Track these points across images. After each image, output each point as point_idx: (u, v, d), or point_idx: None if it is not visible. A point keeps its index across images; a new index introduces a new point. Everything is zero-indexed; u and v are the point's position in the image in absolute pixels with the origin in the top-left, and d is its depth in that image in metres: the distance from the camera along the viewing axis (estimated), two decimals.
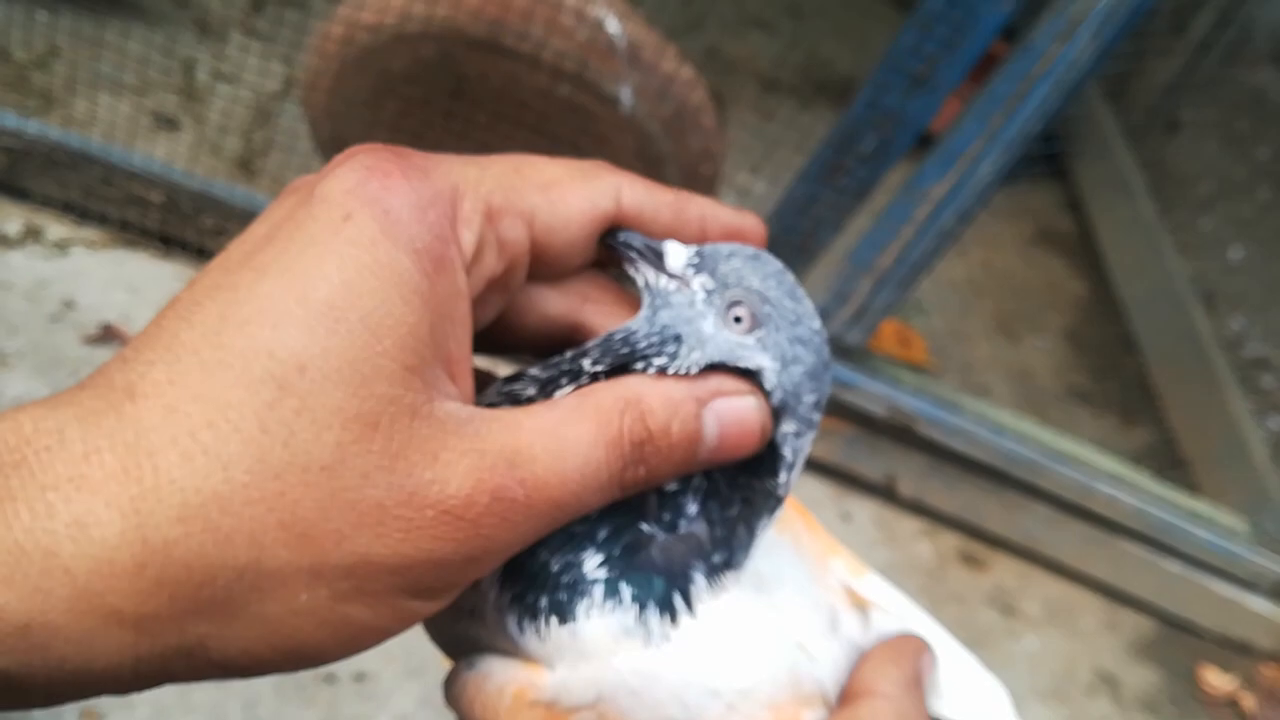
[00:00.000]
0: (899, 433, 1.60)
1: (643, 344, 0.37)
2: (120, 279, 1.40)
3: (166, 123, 1.54)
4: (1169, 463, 1.99)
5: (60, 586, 0.28)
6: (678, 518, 0.38)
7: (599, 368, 0.37)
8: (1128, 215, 2.37)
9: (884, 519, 1.69)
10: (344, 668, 1.20)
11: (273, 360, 0.30)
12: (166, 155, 1.37)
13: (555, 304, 0.40)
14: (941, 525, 1.72)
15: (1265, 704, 1.70)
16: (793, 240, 1.41)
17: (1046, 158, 1.44)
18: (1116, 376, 2.16)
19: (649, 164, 1.38)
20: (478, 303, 0.36)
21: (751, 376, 0.38)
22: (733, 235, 0.41)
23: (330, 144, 1.40)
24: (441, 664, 1.23)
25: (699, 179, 1.40)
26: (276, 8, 1.32)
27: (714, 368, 0.37)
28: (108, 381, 0.31)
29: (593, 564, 0.37)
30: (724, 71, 2.22)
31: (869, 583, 0.46)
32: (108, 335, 1.34)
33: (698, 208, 0.41)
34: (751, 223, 0.42)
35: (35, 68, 1.48)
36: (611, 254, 0.40)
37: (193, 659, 0.31)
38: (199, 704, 1.12)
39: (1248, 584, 1.72)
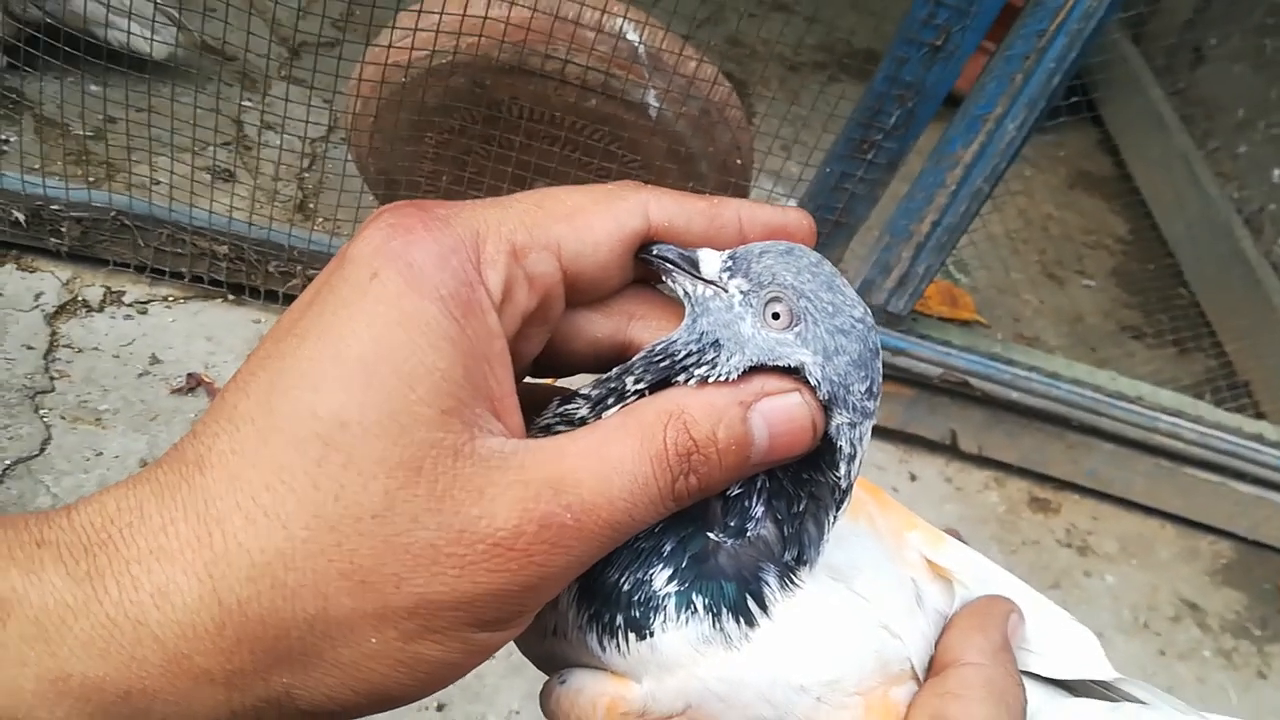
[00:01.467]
0: (955, 391, 1.63)
1: (682, 354, 0.38)
2: (199, 330, 1.48)
3: (223, 176, 1.62)
4: (1228, 388, 2.00)
5: (152, 654, 0.31)
6: (744, 521, 0.39)
7: (641, 385, 0.38)
8: (1163, 149, 2.37)
9: (951, 475, 1.72)
10: None
11: (316, 420, 0.32)
12: (227, 208, 1.45)
13: (601, 326, 0.41)
14: (1008, 474, 1.75)
15: None
16: (829, 218, 1.45)
17: (1074, 104, 1.45)
18: (1167, 309, 2.17)
19: (681, 163, 1.42)
20: (520, 338, 0.38)
21: (795, 374, 0.37)
22: (775, 233, 0.40)
23: (379, 180, 1.47)
24: None
25: (731, 171, 1.45)
26: (312, 54, 1.38)
27: (756, 370, 0.37)
28: (180, 456, 0.34)
29: (662, 579, 0.38)
30: (747, 58, 2.26)
31: (948, 551, 0.47)
32: (193, 384, 1.42)
33: (733, 210, 0.40)
34: (794, 218, 0.41)
35: (94, 139, 1.57)
36: (649, 268, 0.40)
37: (282, 708, 0.33)
38: None
39: None
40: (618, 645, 0.38)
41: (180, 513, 0.32)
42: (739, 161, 1.46)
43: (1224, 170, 2.26)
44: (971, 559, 0.47)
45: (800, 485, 0.39)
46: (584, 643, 0.39)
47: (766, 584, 0.38)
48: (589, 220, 0.38)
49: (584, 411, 0.39)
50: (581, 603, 0.39)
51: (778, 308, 0.38)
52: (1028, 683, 0.44)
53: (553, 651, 0.41)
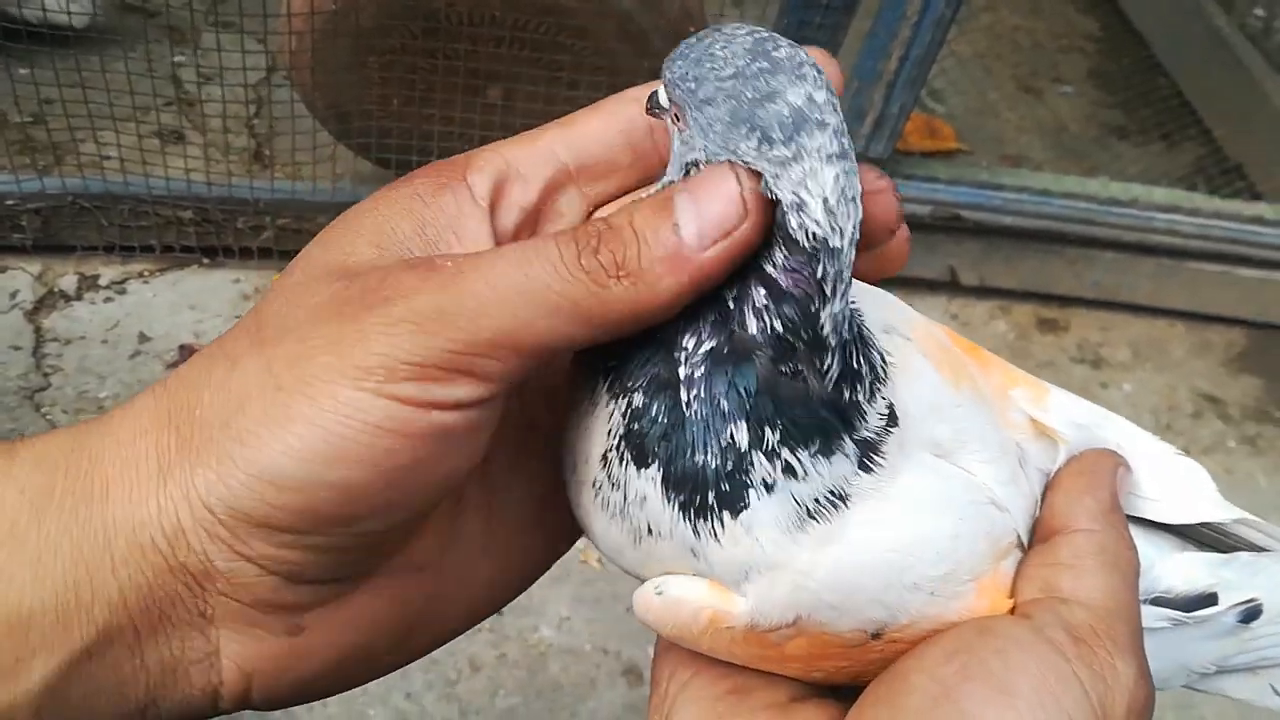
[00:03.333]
0: (948, 226, 1.61)
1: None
2: (181, 300, 1.46)
3: (172, 138, 1.57)
4: (1220, 173, 1.97)
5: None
6: (777, 349, 0.34)
7: None
8: None
9: (956, 311, 1.71)
10: None
11: (293, 274, 0.37)
12: (183, 170, 1.41)
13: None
14: (1012, 301, 1.74)
15: None
16: None
17: None
18: (1149, 103, 2.13)
19: (633, 42, 1.38)
20: (540, 231, 0.39)
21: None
22: None
23: (329, 115, 1.43)
24: (580, 562, 1.31)
25: None
26: None
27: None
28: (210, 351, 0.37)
29: (742, 433, 0.35)
30: None
31: (1051, 405, 0.44)
32: (186, 354, 1.40)
33: None
34: None
35: (34, 124, 1.52)
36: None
37: (192, 505, 0.34)
38: None
39: None
40: (713, 529, 0.35)
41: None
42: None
43: None
44: (1075, 409, 0.45)
45: (803, 283, 0.34)
46: (681, 538, 0.36)
47: (849, 440, 0.35)
48: (586, 121, 0.40)
49: None
50: (670, 493, 0.36)
51: (675, 110, 0.36)
52: (1137, 535, 0.42)
53: (650, 558, 0.38)
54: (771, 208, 0.34)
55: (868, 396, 0.36)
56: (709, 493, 0.35)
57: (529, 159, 0.39)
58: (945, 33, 1.38)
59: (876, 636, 0.37)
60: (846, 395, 0.35)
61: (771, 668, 0.38)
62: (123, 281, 1.46)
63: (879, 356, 0.38)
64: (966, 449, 0.39)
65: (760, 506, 0.35)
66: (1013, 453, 0.41)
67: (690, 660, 0.40)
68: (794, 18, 1.37)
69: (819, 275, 0.34)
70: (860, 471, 0.36)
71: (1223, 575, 0.43)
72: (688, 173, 0.36)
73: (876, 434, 0.36)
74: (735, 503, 0.35)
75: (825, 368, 0.35)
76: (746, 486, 0.35)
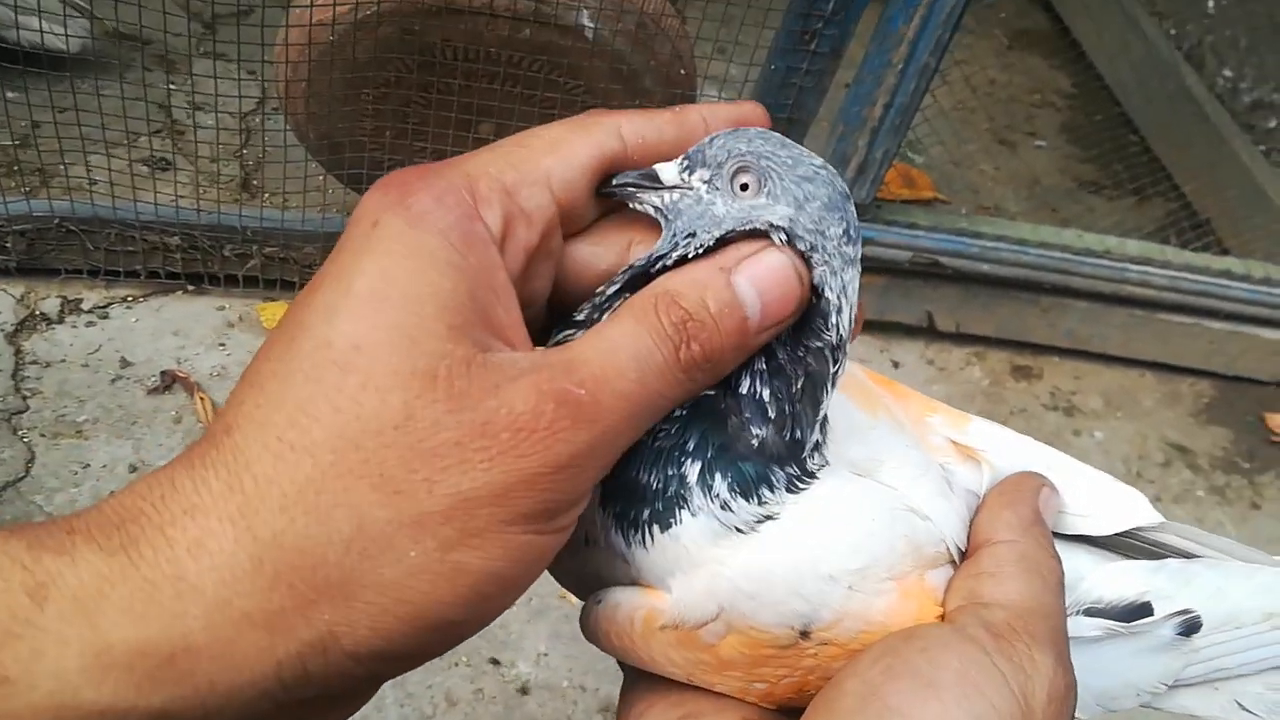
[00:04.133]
0: (926, 272, 1.64)
1: (661, 251, 0.39)
2: (164, 326, 1.46)
3: (161, 165, 1.57)
4: (1190, 228, 2.02)
5: (192, 605, 0.31)
6: (756, 414, 0.38)
7: (618, 285, 0.39)
8: None
9: (932, 356, 1.74)
10: None
11: (331, 349, 0.33)
12: (171, 197, 1.41)
13: (603, 258, 0.41)
14: (988, 347, 1.77)
15: None
16: (780, 115, 1.43)
17: None
18: (1121, 158, 2.18)
19: (624, 82, 1.40)
20: (528, 276, 0.38)
21: (771, 235, 0.38)
22: (736, 125, 0.41)
23: (321, 146, 1.43)
24: (559, 598, 1.30)
25: (676, 82, 1.42)
26: (229, 25, 1.34)
27: (731, 241, 0.38)
28: (210, 431, 0.34)
29: (694, 472, 0.38)
30: None
31: (973, 431, 0.46)
32: (168, 381, 1.40)
33: (697, 114, 0.41)
34: (749, 108, 0.42)
35: (22, 147, 1.52)
36: (615, 200, 0.41)
37: (328, 653, 0.32)
38: None
39: None
40: (642, 539, 0.38)
41: (211, 471, 0.32)
42: (682, 71, 1.43)
43: (1159, 9, 2.25)
44: (997, 435, 0.47)
45: (796, 362, 0.39)
46: (613, 546, 0.39)
47: (783, 472, 0.38)
48: (572, 148, 0.39)
49: (577, 332, 0.40)
50: (608, 504, 0.39)
51: (744, 178, 0.39)
52: (1069, 550, 0.43)
53: (585, 568, 0.41)
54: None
55: (810, 429, 0.39)
56: (644, 509, 0.38)
57: (528, 191, 0.38)
58: (929, 81, 1.42)
59: (805, 635, 0.38)
60: (795, 436, 0.39)
61: (715, 679, 0.40)
62: (106, 306, 1.46)
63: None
64: (885, 467, 0.41)
65: (689, 523, 0.38)
66: (936, 471, 0.43)
67: (647, 693, 0.42)
68: (781, 63, 1.40)
69: (835, 370, 0.39)
70: (788, 492, 0.39)
71: (1154, 583, 0.44)
72: (687, 237, 0.38)
73: (808, 462, 0.39)
74: (666, 519, 0.38)
75: (791, 434, 0.38)
76: (679, 508, 0.38)
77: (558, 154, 0.39)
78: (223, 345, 1.45)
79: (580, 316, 0.40)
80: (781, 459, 0.38)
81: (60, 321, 1.43)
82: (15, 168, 1.51)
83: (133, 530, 0.32)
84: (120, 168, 1.39)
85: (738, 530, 0.38)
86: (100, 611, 0.30)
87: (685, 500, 0.38)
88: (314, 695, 0.34)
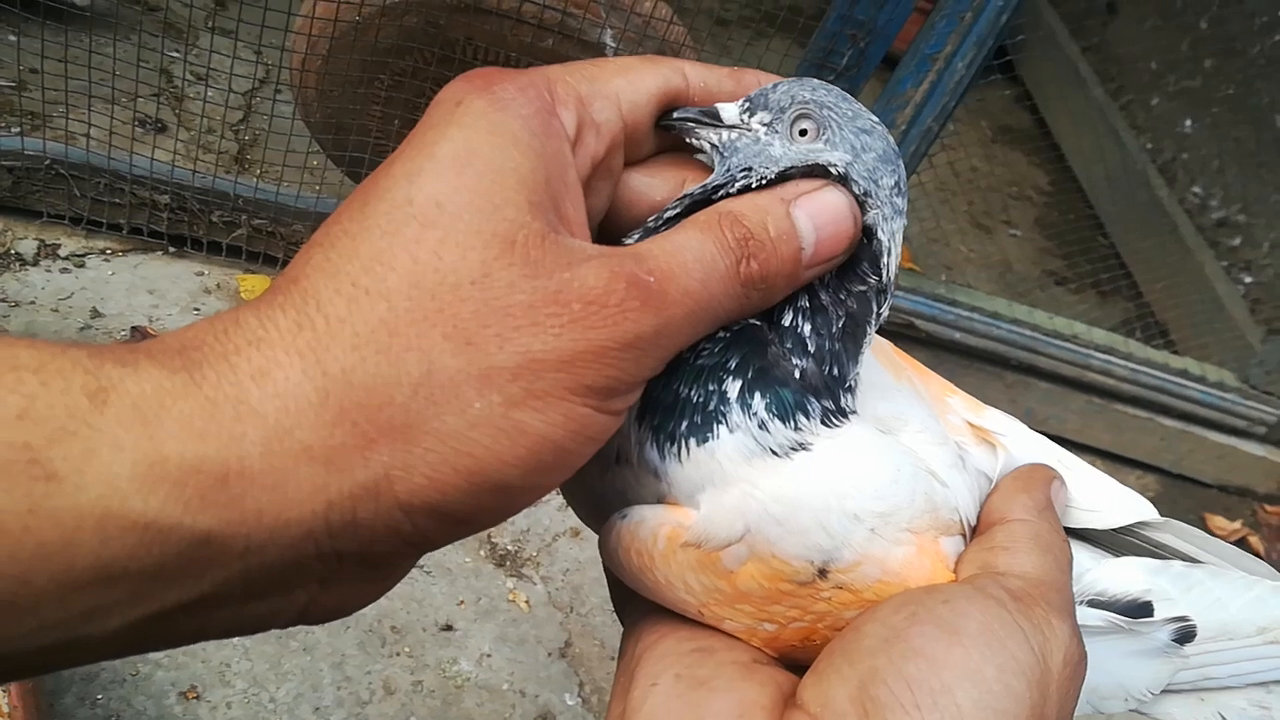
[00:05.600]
0: (899, 333, 1.67)
1: (719, 181, 0.40)
2: (140, 283, 1.43)
3: (154, 127, 1.56)
4: (1149, 332, 2.08)
5: (252, 429, 0.31)
6: (796, 346, 0.40)
7: (678, 210, 0.40)
8: (1079, 102, 2.44)
9: None
10: (425, 619, 1.26)
11: (412, 206, 0.34)
12: (164, 157, 1.40)
13: (660, 189, 0.42)
14: None
15: (1272, 541, 1.80)
16: None
17: (997, 57, 1.49)
18: (1088, 256, 2.25)
19: None
20: (589, 190, 0.39)
21: (828, 175, 0.40)
22: None
23: (324, 126, 1.43)
24: (508, 601, 1.29)
25: None
26: (238, 4, 1.34)
27: (790, 176, 0.40)
28: (274, 284, 0.34)
29: (734, 388, 0.39)
30: (675, 10, 2.26)
31: (990, 417, 0.47)
32: (138, 338, 1.37)
33: (753, 76, 0.43)
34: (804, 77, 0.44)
35: (16, 90, 1.50)
36: (673, 133, 0.42)
37: (380, 500, 0.32)
38: (291, 670, 1.17)
39: (1241, 432, 1.81)
40: (678, 452, 0.39)
41: (279, 311, 0.33)
42: None
43: (1138, 122, 2.34)
44: (1012, 426, 0.48)
45: (838, 304, 0.40)
46: (646, 462, 0.40)
47: (820, 404, 0.40)
48: (640, 75, 0.41)
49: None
50: (645, 417, 0.39)
51: (804, 124, 0.40)
52: (1075, 545, 0.44)
53: (614, 485, 0.41)
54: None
55: (850, 367, 0.41)
56: (682, 421, 0.39)
57: (600, 104, 0.39)
58: (929, 146, 1.46)
59: (823, 574, 0.39)
60: (834, 372, 0.40)
61: (727, 613, 0.40)
62: (83, 255, 1.43)
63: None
64: (908, 428, 0.43)
65: (726, 439, 0.39)
66: (952, 445, 0.44)
67: (656, 625, 0.42)
68: None
69: (879, 311, 0.41)
70: (823, 425, 0.40)
71: (1157, 583, 0.46)
72: (744, 172, 0.40)
73: (844, 399, 0.40)
74: (704, 434, 0.39)
75: (830, 369, 0.40)
76: (717, 423, 0.39)
77: (627, 77, 0.40)
78: (197, 310, 1.43)
79: (634, 239, 0.41)
80: (819, 392, 0.40)
81: (34, 264, 1.40)
82: (7, 107, 1.49)
83: (194, 355, 0.31)
84: (117, 126, 1.37)
85: (772, 453, 0.39)
86: (159, 422, 0.30)
87: (724, 416, 0.39)
88: (354, 553, 0.33)
